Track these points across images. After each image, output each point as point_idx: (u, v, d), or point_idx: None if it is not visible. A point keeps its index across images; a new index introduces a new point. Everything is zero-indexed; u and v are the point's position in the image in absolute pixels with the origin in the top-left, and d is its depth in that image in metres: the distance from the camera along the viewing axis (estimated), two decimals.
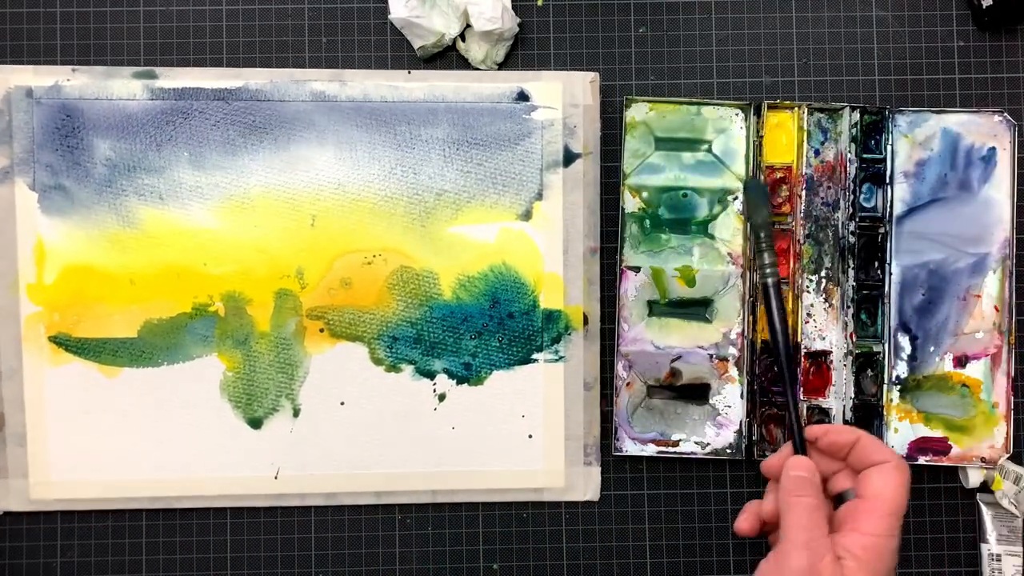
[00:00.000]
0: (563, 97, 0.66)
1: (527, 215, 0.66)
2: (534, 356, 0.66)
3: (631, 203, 0.66)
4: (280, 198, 0.65)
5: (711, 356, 0.66)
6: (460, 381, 0.66)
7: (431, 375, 0.65)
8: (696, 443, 0.66)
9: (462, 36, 0.66)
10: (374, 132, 0.65)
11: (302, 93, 0.65)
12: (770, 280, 0.62)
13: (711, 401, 0.66)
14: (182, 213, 0.65)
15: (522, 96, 0.66)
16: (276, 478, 0.65)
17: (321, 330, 0.65)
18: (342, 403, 0.65)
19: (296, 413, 0.65)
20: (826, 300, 0.66)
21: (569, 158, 0.66)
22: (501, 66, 0.67)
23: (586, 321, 0.66)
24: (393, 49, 0.67)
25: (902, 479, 0.54)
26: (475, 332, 0.66)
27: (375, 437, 0.65)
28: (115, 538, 0.66)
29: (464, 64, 0.67)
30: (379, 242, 0.65)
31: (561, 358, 0.66)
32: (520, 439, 0.66)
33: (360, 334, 0.65)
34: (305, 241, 0.65)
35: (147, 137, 0.64)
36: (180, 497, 0.65)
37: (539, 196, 0.66)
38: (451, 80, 0.66)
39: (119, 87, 0.64)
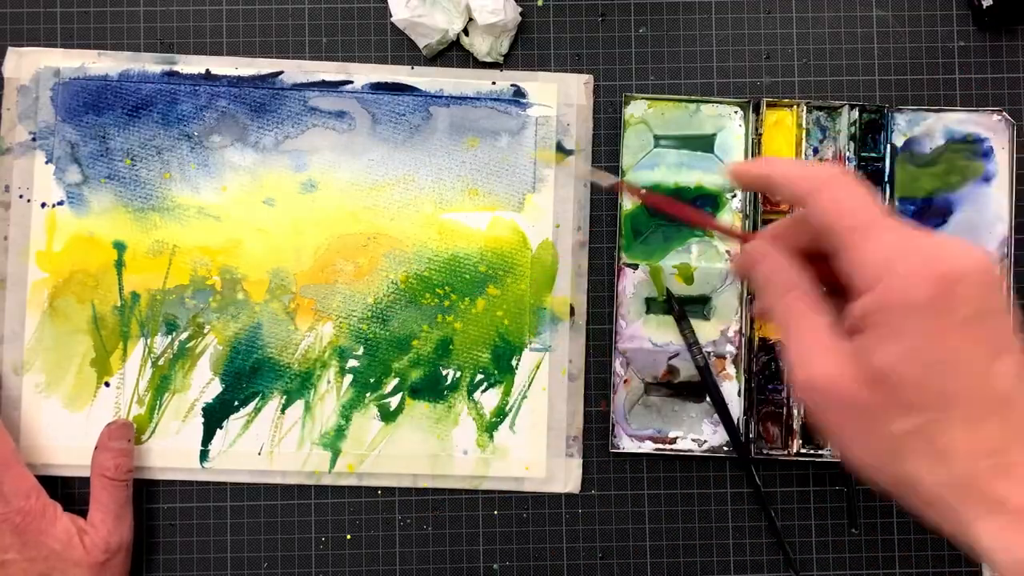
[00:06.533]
0: (558, 97, 0.67)
1: (519, 206, 0.67)
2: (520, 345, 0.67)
3: (629, 200, 0.66)
4: (281, 180, 0.67)
5: (709, 353, 0.66)
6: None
7: None
8: (693, 440, 0.66)
9: (465, 31, 0.67)
10: (375, 121, 0.67)
11: (310, 83, 0.67)
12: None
13: (708, 399, 0.66)
14: (188, 188, 0.67)
15: (519, 93, 0.67)
16: (259, 455, 0.66)
17: (314, 308, 0.67)
18: (328, 382, 0.66)
19: (285, 391, 0.66)
20: None
21: (562, 154, 0.67)
22: (505, 58, 0.68)
23: (572, 312, 0.67)
24: (394, 49, 0.68)
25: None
26: (464, 317, 0.67)
27: (359, 419, 0.67)
28: None
29: (466, 59, 0.68)
30: (373, 225, 0.67)
31: (547, 348, 0.67)
32: (503, 427, 0.66)
33: (351, 314, 0.67)
34: (302, 222, 0.67)
35: (159, 116, 0.67)
36: (166, 468, 0.66)
37: (532, 188, 0.67)
38: (450, 76, 0.68)
39: (140, 71, 0.67)
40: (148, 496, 0.66)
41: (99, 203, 0.66)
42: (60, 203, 0.66)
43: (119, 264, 0.66)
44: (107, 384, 0.66)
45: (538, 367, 0.66)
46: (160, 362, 0.66)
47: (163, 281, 0.66)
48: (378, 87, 0.67)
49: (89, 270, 0.66)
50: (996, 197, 0.66)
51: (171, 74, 0.67)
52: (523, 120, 0.67)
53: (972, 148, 0.66)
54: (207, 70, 0.67)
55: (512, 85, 0.67)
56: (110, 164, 0.67)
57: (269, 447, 0.66)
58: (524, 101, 0.67)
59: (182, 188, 0.67)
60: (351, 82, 0.67)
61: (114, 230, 0.66)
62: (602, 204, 0.67)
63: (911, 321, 0.35)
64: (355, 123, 0.67)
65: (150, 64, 0.67)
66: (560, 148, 0.67)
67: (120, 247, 0.66)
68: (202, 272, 0.66)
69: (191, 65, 0.67)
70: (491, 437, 0.66)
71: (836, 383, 0.37)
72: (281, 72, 0.67)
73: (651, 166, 0.66)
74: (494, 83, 0.67)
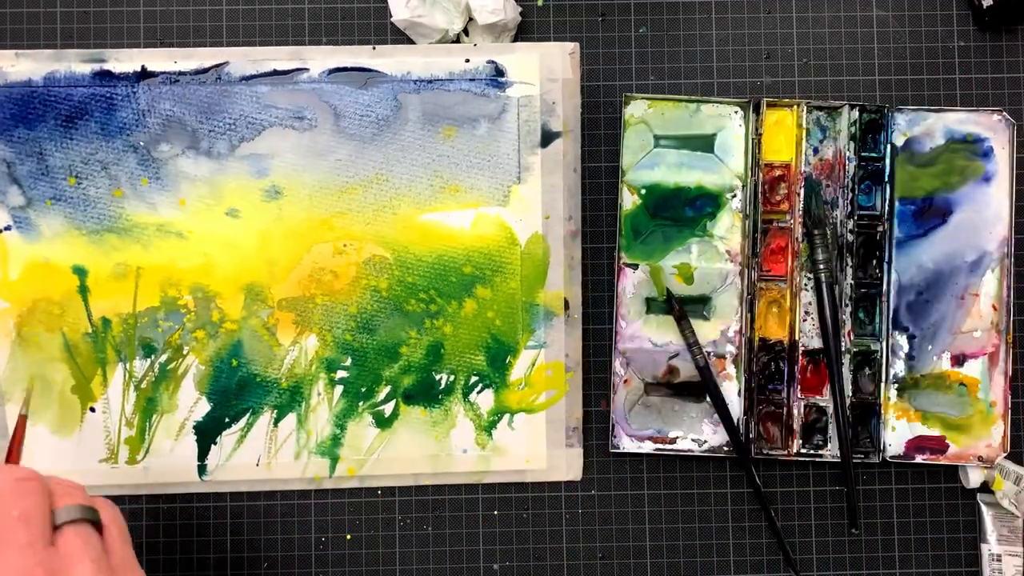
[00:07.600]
0: (540, 71, 0.63)
1: (504, 199, 0.64)
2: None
3: (629, 200, 0.66)
4: (242, 188, 0.63)
5: (709, 353, 0.66)
6: None
7: None
8: (693, 440, 0.66)
9: (465, 31, 0.67)
10: (337, 116, 0.63)
11: (261, 74, 0.63)
12: (822, 276, 0.64)
13: (708, 399, 0.66)
14: (143, 205, 0.63)
15: (497, 72, 0.63)
16: (257, 465, 0.65)
17: (294, 322, 0.64)
18: (319, 393, 0.65)
19: (276, 405, 0.65)
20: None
21: (548, 138, 0.64)
22: None
23: (567, 306, 0.65)
24: None
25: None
26: (453, 321, 0.65)
27: (354, 427, 0.65)
28: None
29: None
30: (348, 231, 0.64)
31: (542, 345, 0.65)
32: (501, 425, 0.66)
33: (335, 325, 0.64)
34: (271, 233, 0.64)
35: (98, 126, 0.63)
36: (165, 484, 0.65)
37: (517, 179, 0.64)
38: (419, 55, 0.64)
39: (67, 72, 0.62)
40: (149, 496, 0.66)
41: (49, 227, 0.63)
42: (8, 228, 0.63)
43: (83, 290, 0.63)
44: (92, 409, 0.64)
45: (534, 364, 0.66)
46: (143, 385, 0.64)
47: (132, 304, 0.63)
48: (337, 72, 0.63)
49: (52, 298, 0.63)
50: (996, 197, 0.66)
51: (102, 74, 0.62)
52: (503, 103, 0.63)
53: (972, 148, 0.66)
54: (142, 67, 0.62)
55: (489, 61, 0.63)
56: (53, 184, 0.63)
57: (266, 458, 0.65)
58: (503, 80, 0.63)
59: (136, 205, 0.63)
60: (307, 69, 0.63)
61: (71, 255, 0.63)
62: (602, 204, 0.67)
63: None
64: (316, 119, 0.63)
65: (76, 63, 0.62)
66: (546, 131, 0.64)
67: (81, 272, 0.63)
68: (172, 292, 0.63)
69: (123, 62, 0.62)
70: (490, 435, 0.65)
71: None
72: (226, 63, 0.63)
73: (651, 166, 0.66)
74: (468, 60, 0.63)
